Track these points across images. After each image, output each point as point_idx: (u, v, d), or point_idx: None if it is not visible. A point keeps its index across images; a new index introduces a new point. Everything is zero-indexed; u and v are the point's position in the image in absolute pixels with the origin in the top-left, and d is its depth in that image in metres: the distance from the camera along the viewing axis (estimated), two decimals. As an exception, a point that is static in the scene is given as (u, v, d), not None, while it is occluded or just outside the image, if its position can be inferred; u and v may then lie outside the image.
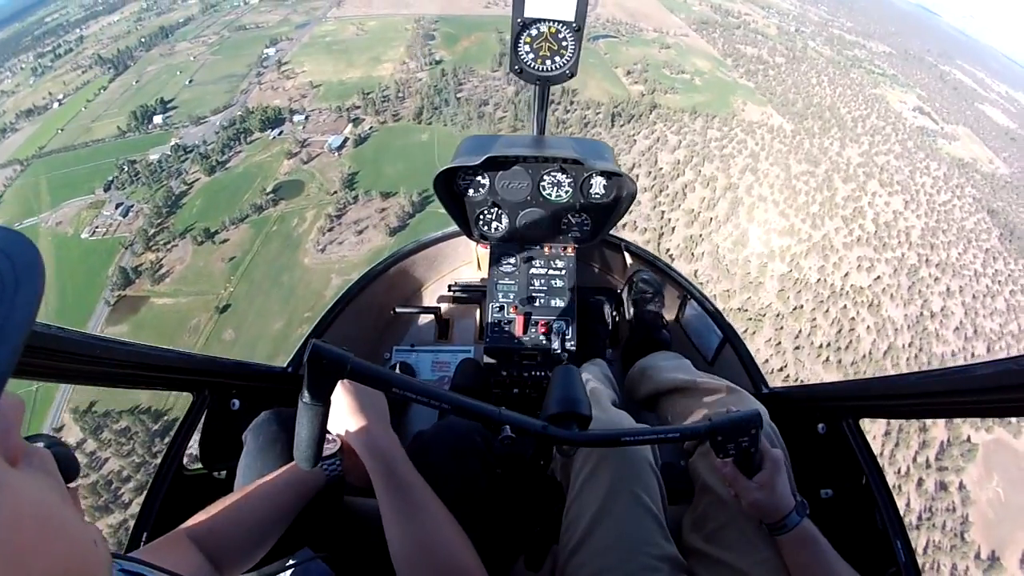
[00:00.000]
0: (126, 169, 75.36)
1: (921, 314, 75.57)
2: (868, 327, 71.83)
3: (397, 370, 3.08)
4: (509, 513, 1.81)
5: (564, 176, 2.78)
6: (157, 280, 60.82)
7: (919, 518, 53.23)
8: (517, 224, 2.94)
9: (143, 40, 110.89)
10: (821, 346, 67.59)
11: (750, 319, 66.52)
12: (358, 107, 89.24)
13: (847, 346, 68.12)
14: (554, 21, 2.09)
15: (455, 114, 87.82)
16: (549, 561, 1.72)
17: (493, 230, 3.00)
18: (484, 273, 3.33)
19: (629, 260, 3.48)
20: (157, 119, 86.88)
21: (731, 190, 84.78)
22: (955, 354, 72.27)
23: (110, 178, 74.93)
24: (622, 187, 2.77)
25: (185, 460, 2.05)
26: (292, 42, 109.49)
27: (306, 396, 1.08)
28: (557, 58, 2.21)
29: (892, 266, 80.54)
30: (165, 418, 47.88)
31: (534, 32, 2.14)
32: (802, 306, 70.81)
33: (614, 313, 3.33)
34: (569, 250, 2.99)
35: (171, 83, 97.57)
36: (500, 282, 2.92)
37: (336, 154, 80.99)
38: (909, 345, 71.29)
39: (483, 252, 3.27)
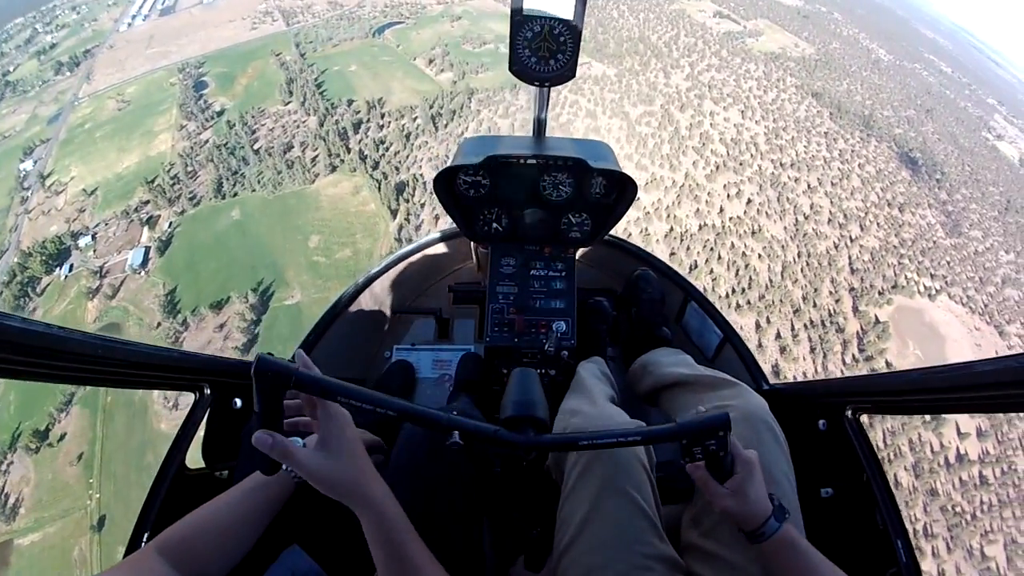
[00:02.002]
0: (-86, 391, 56.82)
1: (797, 221, 74.17)
2: (759, 255, 69.25)
3: (396, 370, 3.09)
4: (507, 514, 1.81)
5: (564, 176, 2.62)
6: (11, 516, 47.14)
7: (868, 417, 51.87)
8: (517, 224, 2.81)
9: None
10: (727, 295, 63.69)
11: (653, 298, 59.73)
12: (147, 202, 70.85)
13: (749, 284, 64.79)
14: (552, 19, 1.92)
15: (260, 173, 71.69)
16: (549, 562, 1.66)
17: (493, 230, 2.84)
18: (484, 273, 3.03)
19: (629, 260, 3.32)
20: (-77, 303, 65.33)
21: (582, 159, 76.43)
22: (836, 246, 71.84)
23: (-100, 409, 56.71)
24: (622, 187, 2.60)
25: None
26: (49, 144, 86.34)
27: (257, 407, 1.07)
28: (556, 58, 2.01)
29: (756, 184, 78.42)
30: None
31: (532, 31, 1.95)
32: (696, 262, 65.80)
33: (614, 313, 3.10)
34: (569, 250, 2.88)
35: (-76, 250, 74.38)
36: (500, 282, 2.82)
37: (142, 272, 63.59)
38: (798, 256, 69.51)
39: (483, 252, 3.11)
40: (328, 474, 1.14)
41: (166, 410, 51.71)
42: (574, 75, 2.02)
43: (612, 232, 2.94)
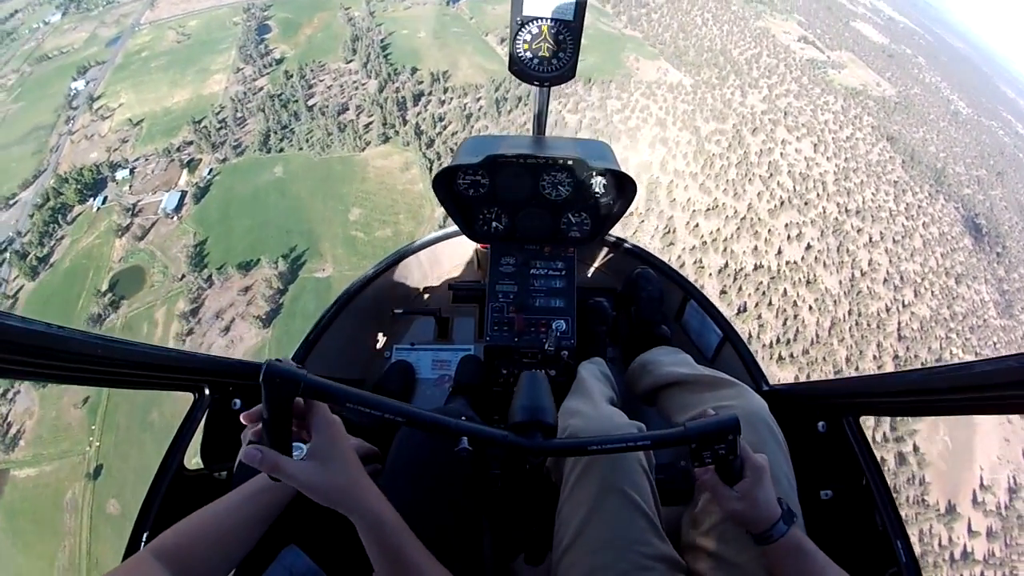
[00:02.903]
0: (-70, 295, 54.87)
1: (853, 276, 68.46)
2: (810, 307, 63.90)
3: (396, 370, 3.00)
4: (507, 511, 1.81)
5: (564, 176, 2.57)
6: (10, 445, 45.67)
7: (889, 501, 49.30)
8: (517, 224, 2.73)
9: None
10: (771, 344, 58.47)
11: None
12: (190, 143, 65.88)
13: (795, 336, 59.52)
14: (552, 20, 1.90)
15: (310, 131, 66.04)
16: (549, 557, 1.65)
17: (493, 230, 2.76)
18: (484, 273, 3.04)
19: (629, 260, 3.25)
20: (-42, 207, 62.82)
21: (646, 170, 70.15)
22: (888, 309, 66.19)
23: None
24: (622, 186, 2.56)
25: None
26: (104, 67, 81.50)
27: (266, 414, 1.06)
28: (557, 58, 2.00)
29: (818, 228, 72.20)
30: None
31: (533, 31, 1.93)
32: (745, 304, 60.39)
33: (614, 312, 3.00)
34: (569, 249, 2.81)
35: (-32, 151, 71.65)
36: (500, 282, 2.73)
37: (174, 218, 59.24)
38: (848, 314, 64.10)
39: (483, 252, 3.14)
40: (320, 483, 1.13)
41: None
42: (574, 75, 1.99)
43: (612, 231, 2.85)
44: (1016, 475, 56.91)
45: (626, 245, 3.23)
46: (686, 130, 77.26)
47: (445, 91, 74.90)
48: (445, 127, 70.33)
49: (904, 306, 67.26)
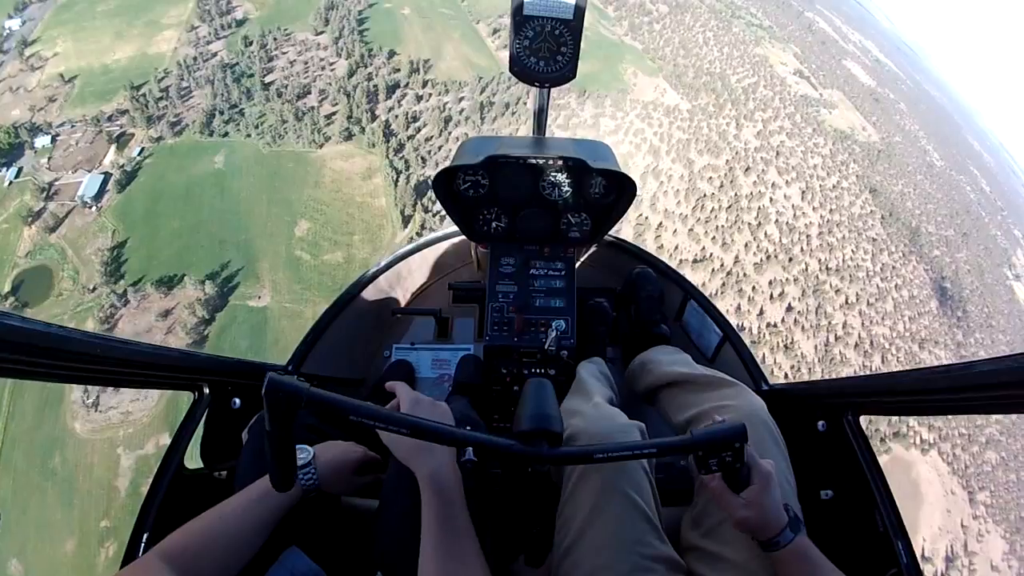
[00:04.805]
0: None
1: (828, 341, 63.27)
2: (786, 374, 57.93)
3: (396, 369, 2.88)
4: (507, 512, 1.75)
5: (564, 176, 2.47)
6: None
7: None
8: (517, 224, 2.62)
9: None
10: None
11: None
12: (124, 112, 52.66)
13: None
14: (553, 20, 1.83)
15: (262, 116, 53.45)
16: (549, 559, 1.61)
17: (493, 230, 2.66)
18: (484, 273, 2.85)
19: (629, 260, 3.06)
20: None
21: (634, 207, 60.72)
22: (855, 373, 59.69)
23: None
24: (622, 187, 2.45)
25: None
26: (45, 4, 65.33)
27: (269, 426, 1.02)
28: (557, 58, 1.92)
29: (800, 287, 65.66)
30: None
31: (533, 31, 1.85)
32: (724, 374, 52.29)
33: (613, 312, 2.88)
34: (569, 249, 2.70)
35: None
36: (500, 282, 2.64)
37: (93, 207, 46.95)
38: None
39: (483, 252, 2.91)
40: (408, 444, 1.21)
41: (85, 405, 37.12)
42: (575, 76, 1.93)
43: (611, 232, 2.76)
44: (954, 544, 55.50)
45: (626, 245, 3.06)
46: (679, 162, 68.12)
47: (424, 84, 62.77)
48: (419, 130, 58.63)
49: (870, 371, 62.14)
